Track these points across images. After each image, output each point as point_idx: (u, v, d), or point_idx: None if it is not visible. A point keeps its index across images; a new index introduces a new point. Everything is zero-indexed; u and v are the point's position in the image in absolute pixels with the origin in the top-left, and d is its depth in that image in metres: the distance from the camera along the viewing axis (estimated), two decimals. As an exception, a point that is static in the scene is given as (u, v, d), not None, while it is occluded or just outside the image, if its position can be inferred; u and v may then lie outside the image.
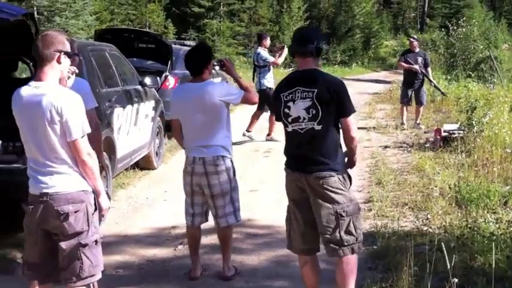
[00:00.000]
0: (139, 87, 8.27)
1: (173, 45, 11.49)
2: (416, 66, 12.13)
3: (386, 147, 10.45)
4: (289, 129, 4.10)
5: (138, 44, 10.75)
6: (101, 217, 3.72)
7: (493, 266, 3.93)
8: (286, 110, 4.07)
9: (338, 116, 4.03)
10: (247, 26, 34.05)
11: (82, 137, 3.46)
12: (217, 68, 5.80)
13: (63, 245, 3.52)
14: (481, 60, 22.84)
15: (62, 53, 3.49)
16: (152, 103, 8.69)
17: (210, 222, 5.14)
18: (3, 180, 5.41)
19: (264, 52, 10.95)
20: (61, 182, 3.48)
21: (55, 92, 3.43)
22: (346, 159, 4.20)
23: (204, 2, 32.43)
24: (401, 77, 13.37)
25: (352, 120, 4.09)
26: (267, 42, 11.25)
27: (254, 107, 10.13)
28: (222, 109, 4.84)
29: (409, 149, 10.00)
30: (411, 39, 13.00)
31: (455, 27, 23.65)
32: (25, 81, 3.56)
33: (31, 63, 6.61)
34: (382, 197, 7.00)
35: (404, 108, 12.44)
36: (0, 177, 5.53)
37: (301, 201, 4.11)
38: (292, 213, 4.19)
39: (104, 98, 6.75)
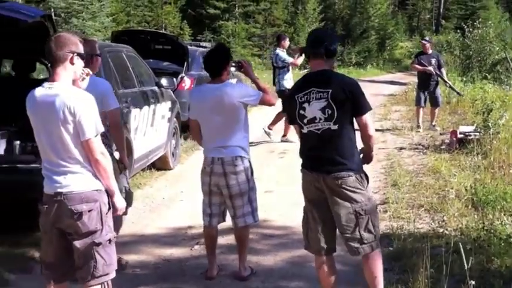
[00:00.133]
0: (155, 88, 8.33)
1: (189, 47, 11.54)
2: (430, 68, 12.02)
3: (401, 148, 10.41)
4: (305, 130, 4.10)
5: (155, 46, 10.75)
6: (120, 217, 3.73)
7: (510, 268, 3.92)
8: (302, 112, 4.07)
9: (354, 115, 4.04)
10: (263, 28, 34.01)
11: (95, 136, 3.48)
12: (233, 69, 5.81)
13: (77, 244, 3.54)
14: (497, 62, 22.66)
15: (75, 54, 3.51)
16: (168, 104, 8.74)
17: (227, 222, 5.17)
18: (22, 180, 5.47)
19: (282, 53, 10.97)
20: (75, 181, 3.50)
21: (68, 93, 3.45)
22: (361, 155, 4.21)
23: (220, 4, 32.44)
24: (416, 79, 13.31)
25: (369, 118, 4.09)
26: (286, 43, 11.27)
27: (271, 108, 10.12)
28: (240, 110, 4.86)
29: (424, 150, 9.95)
30: (423, 42, 12.89)
31: (470, 29, 23.50)
32: (43, 82, 3.59)
33: (49, 64, 6.65)
34: (398, 199, 6.98)
35: (420, 110, 12.35)
36: (19, 177, 5.61)
37: (318, 201, 4.12)
38: (310, 213, 4.19)
39: (121, 99, 6.78)
